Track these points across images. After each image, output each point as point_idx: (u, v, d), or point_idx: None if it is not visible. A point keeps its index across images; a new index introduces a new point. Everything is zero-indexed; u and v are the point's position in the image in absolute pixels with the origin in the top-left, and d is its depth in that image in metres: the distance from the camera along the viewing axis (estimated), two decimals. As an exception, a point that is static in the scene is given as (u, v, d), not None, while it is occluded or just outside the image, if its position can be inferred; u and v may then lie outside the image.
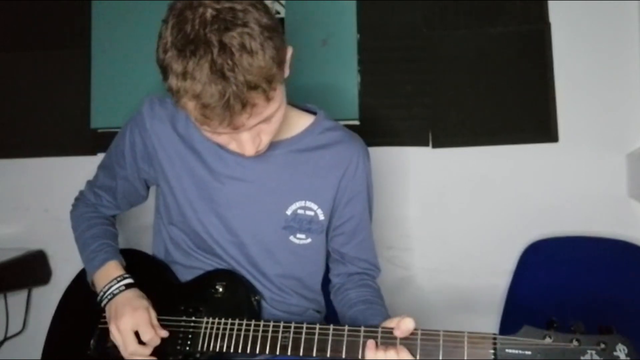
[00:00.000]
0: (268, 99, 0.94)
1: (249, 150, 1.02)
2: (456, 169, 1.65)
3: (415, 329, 0.97)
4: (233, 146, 1.04)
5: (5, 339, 1.71)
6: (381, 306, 1.21)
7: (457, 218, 1.65)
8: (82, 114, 1.71)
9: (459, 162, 1.65)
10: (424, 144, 1.66)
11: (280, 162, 1.17)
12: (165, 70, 0.93)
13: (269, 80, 0.92)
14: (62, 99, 1.75)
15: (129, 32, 1.68)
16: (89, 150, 1.71)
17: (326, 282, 1.32)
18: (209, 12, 0.89)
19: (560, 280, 1.52)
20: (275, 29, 0.94)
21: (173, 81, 0.92)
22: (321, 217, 1.19)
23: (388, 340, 0.98)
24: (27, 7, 1.77)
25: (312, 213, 1.18)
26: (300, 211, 1.18)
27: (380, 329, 0.99)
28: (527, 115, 1.63)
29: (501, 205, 1.63)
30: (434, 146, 1.66)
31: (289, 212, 1.17)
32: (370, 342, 0.98)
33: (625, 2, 1.61)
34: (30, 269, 1.72)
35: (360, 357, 0.99)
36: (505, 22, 1.65)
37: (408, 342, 0.97)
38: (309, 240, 1.20)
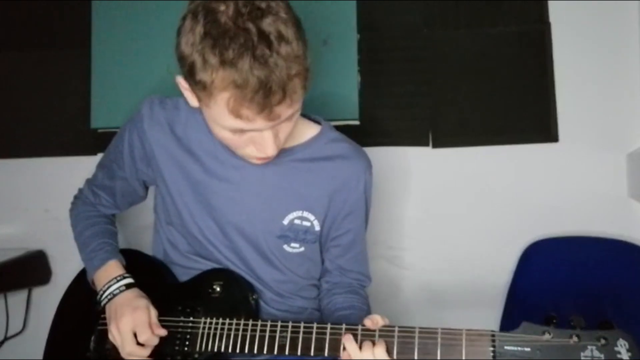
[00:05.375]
0: (305, 88, 0.94)
1: (271, 150, 1.00)
2: (456, 169, 1.65)
3: (413, 327, 0.97)
4: (250, 150, 1.02)
5: (5, 339, 1.71)
6: (366, 313, 1.20)
7: (457, 218, 1.65)
8: (82, 114, 1.70)
9: (459, 162, 1.65)
10: (424, 144, 1.66)
11: (280, 170, 1.15)
12: (192, 65, 0.91)
13: (306, 69, 0.92)
14: (62, 99, 1.75)
15: (129, 32, 1.68)
16: (89, 150, 1.70)
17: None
18: (241, 2, 0.89)
19: (560, 280, 1.52)
20: (300, 23, 0.95)
21: (206, 74, 0.89)
22: (317, 227, 1.18)
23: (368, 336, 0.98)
24: (27, 7, 1.77)
25: (308, 224, 1.18)
26: (297, 221, 1.17)
27: (378, 330, 0.99)
28: (527, 115, 1.63)
29: (501, 206, 1.63)
30: (434, 146, 1.66)
31: (285, 221, 1.16)
32: (348, 335, 0.98)
33: (625, 2, 1.61)
34: (30, 269, 1.71)
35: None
36: (505, 22, 1.64)
37: (405, 339, 0.96)
38: (302, 249, 1.19)
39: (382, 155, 1.64)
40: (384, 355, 0.96)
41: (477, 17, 1.65)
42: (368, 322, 1.00)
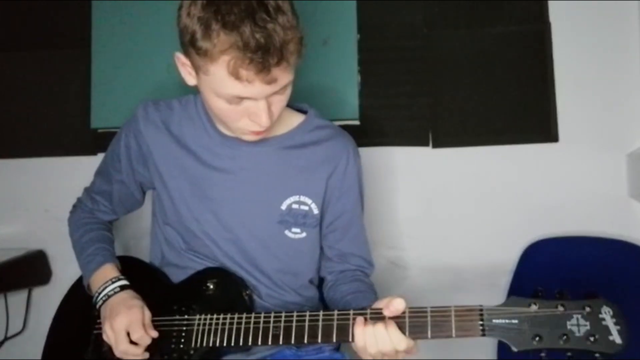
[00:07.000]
0: (300, 56, 1.00)
1: (265, 120, 1.03)
2: (456, 169, 1.65)
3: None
4: (244, 123, 1.06)
5: (5, 339, 1.71)
6: (372, 293, 1.21)
7: (457, 218, 1.65)
8: (82, 114, 1.71)
9: (459, 162, 1.65)
10: (424, 144, 1.66)
11: (272, 158, 1.19)
12: (194, 33, 0.96)
13: (300, 39, 1.00)
14: (62, 99, 1.75)
15: (129, 32, 1.68)
16: (89, 150, 1.71)
17: (319, 280, 1.33)
18: None
19: (560, 280, 1.52)
20: (293, 4, 1.01)
21: (208, 40, 0.94)
22: (315, 211, 1.21)
23: (377, 317, 0.98)
24: (27, 7, 1.77)
25: (306, 207, 1.20)
26: (294, 206, 1.19)
27: (369, 310, 1.00)
28: (527, 115, 1.63)
29: (501, 205, 1.63)
30: (434, 146, 1.66)
31: (283, 206, 1.19)
32: (359, 318, 0.99)
33: (625, 2, 1.61)
34: (30, 269, 1.72)
35: (350, 339, 0.99)
36: (505, 22, 1.65)
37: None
38: (303, 234, 1.21)
39: (382, 155, 1.64)
40: (399, 334, 0.96)
41: (477, 17, 1.65)
42: (386, 311, 0.98)
